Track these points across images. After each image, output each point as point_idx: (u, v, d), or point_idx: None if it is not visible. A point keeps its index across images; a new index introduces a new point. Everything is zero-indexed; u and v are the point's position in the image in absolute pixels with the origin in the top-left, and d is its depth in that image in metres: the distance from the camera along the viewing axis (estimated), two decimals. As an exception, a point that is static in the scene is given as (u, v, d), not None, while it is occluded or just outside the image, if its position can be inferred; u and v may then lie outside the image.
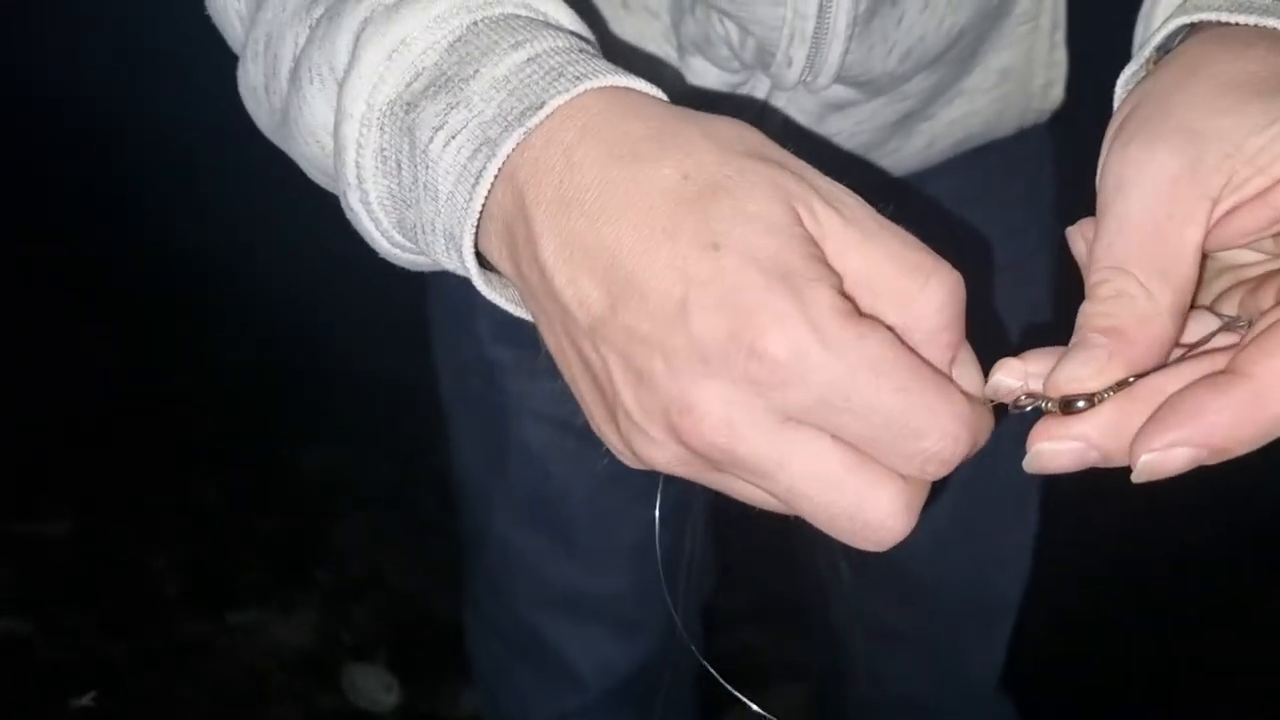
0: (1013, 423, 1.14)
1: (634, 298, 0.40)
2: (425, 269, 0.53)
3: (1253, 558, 1.95)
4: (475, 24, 0.47)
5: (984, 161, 0.94)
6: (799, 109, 0.79)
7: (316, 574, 2.12)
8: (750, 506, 0.45)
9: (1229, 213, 0.42)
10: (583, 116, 0.43)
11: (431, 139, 0.45)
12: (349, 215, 0.52)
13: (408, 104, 0.46)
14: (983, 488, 1.07)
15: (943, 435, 0.40)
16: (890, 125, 0.84)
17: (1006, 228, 0.97)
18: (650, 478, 1.08)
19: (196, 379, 2.50)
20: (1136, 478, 0.41)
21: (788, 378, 0.38)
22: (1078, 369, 0.41)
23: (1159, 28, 0.49)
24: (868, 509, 0.41)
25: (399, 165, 0.47)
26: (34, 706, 1.84)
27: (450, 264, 0.48)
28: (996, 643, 1.16)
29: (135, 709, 1.86)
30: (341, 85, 0.48)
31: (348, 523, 2.22)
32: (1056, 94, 0.92)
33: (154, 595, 2.05)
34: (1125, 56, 0.52)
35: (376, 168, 0.48)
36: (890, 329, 0.40)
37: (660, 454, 0.42)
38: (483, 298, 1.01)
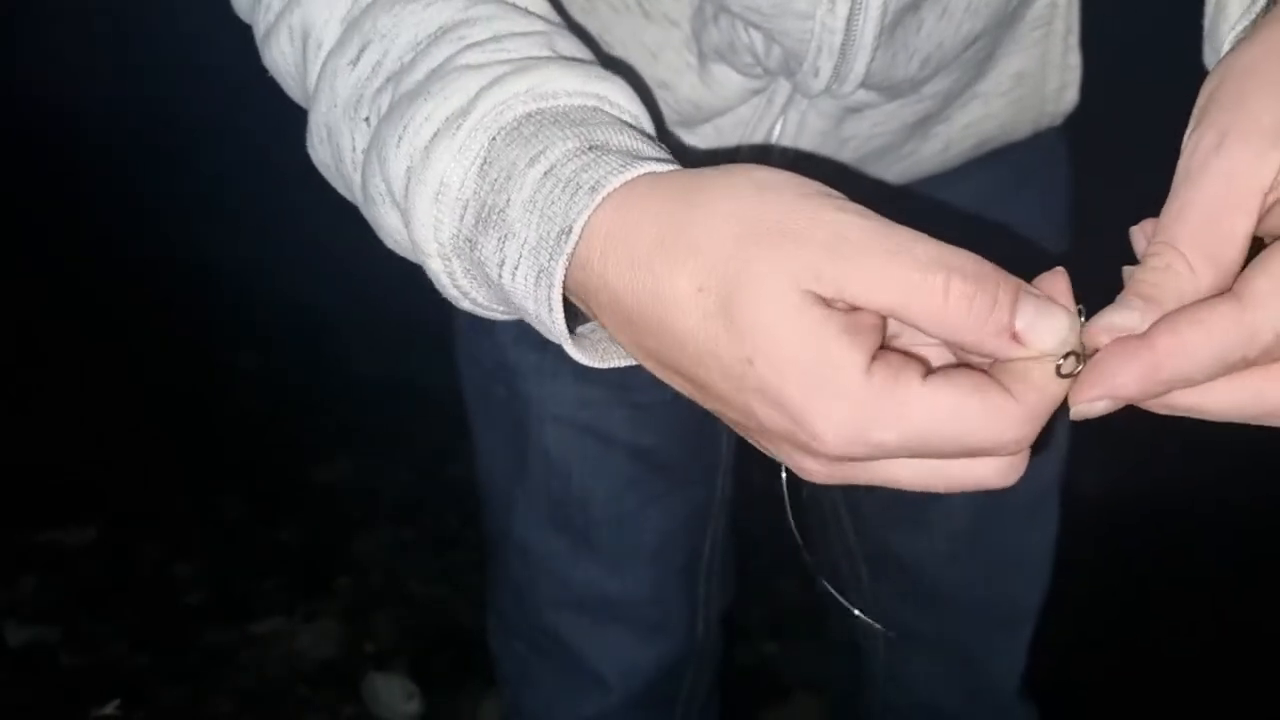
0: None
1: (711, 397, 0.48)
2: None
3: (1273, 566, 1.94)
4: (494, 140, 0.52)
5: (999, 165, 0.94)
6: (818, 113, 0.80)
7: (338, 584, 2.13)
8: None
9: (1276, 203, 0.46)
10: (602, 230, 0.48)
11: (500, 273, 0.51)
12: (459, 305, 0.57)
13: (469, 240, 0.52)
14: (1001, 493, 1.07)
15: (1001, 445, 0.45)
16: (907, 128, 0.85)
17: (1022, 231, 0.97)
18: (666, 481, 1.08)
19: (218, 391, 2.52)
20: (1074, 417, 0.46)
21: (851, 455, 0.45)
22: (1114, 319, 0.45)
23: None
24: (980, 478, 0.47)
25: (486, 281, 0.53)
26: (59, 715, 1.85)
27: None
28: (1017, 648, 1.15)
29: (159, 718, 1.87)
30: (408, 227, 0.54)
31: (368, 533, 2.23)
32: (1071, 97, 0.93)
33: (177, 605, 2.06)
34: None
35: (471, 281, 0.54)
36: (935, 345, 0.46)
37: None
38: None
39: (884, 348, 0.46)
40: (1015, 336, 0.44)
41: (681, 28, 0.77)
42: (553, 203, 0.49)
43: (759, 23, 0.71)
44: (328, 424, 2.44)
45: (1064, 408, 0.45)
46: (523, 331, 1.02)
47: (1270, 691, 1.77)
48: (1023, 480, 1.10)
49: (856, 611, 0.64)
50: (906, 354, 0.46)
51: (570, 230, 0.48)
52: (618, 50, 0.78)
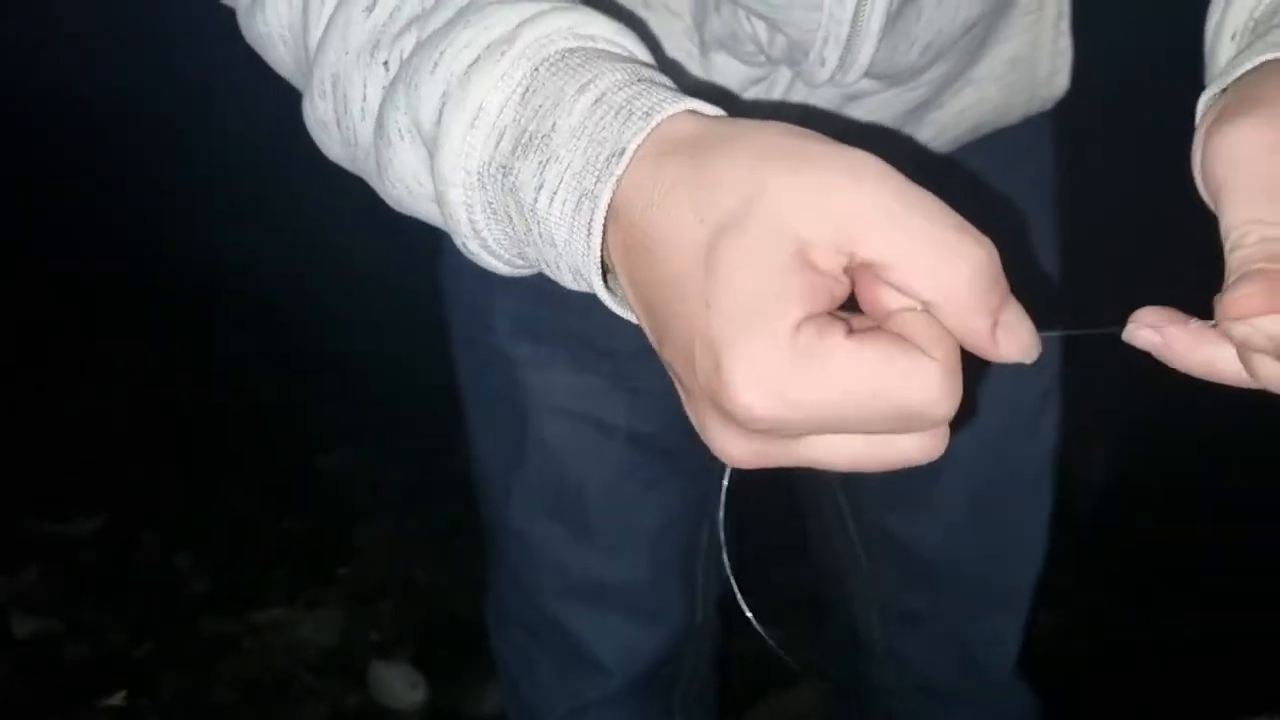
0: (1026, 410, 1.14)
1: (666, 343, 0.46)
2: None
3: (1274, 552, 1.95)
4: (537, 70, 0.50)
5: (991, 148, 0.95)
6: (818, 101, 0.81)
7: (340, 573, 2.14)
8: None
9: None
10: (649, 154, 0.46)
11: (536, 199, 0.49)
12: (468, 255, 0.56)
13: (502, 167, 0.50)
14: (997, 474, 1.08)
15: (926, 403, 0.42)
16: (902, 115, 0.86)
17: (1014, 213, 0.98)
18: (664, 467, 1.08)
19: (220, 382, 2.52)
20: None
21: (771, 427, 0.43)
22: (1245, 289, 0.45)
23: (1239, 59, 0.53)
24: (907, 453, 0.45)
25: (509, 216, 0.51)
26: (64, 706, 1.86)
27: (578, 288, 0.52)
28: (1014, 628, 1.16)
29: (163, 708, 1.88)
30: (434, 157, 0.52)
31: (370, 522, 2.24)
32: (1062, 82, 0.93)
33: (181, 595, 2.07)
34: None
35: (489, 220, 0.52)
36: (925, 306, 0.43)
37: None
38: (501, 294, 1.02)
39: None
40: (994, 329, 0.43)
41: (683, 18, 0.77)
42: (603, 128, 0.47)
43: (766, 13, 0.72)
44: (330, 414, 2.44)
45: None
46: (520, 325, 1.03)
47: (1269, 677, 1.77)
48: (1019, 461, 1.11)
49: (781, 651, 0.62)
50: (832, 315, 0.44)
51: (623, 152, 0.46)
52: None
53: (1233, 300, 0.45)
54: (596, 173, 0.47)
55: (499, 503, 1.11)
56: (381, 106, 0.56)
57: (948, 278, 0.42)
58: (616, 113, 0.48)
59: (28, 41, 3.25)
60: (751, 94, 0.81)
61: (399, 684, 1.92)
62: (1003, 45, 0.88)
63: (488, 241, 0.53)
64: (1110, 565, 1.92)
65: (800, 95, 0.80)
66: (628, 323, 0.51)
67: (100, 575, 2.09)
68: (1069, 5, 0.89)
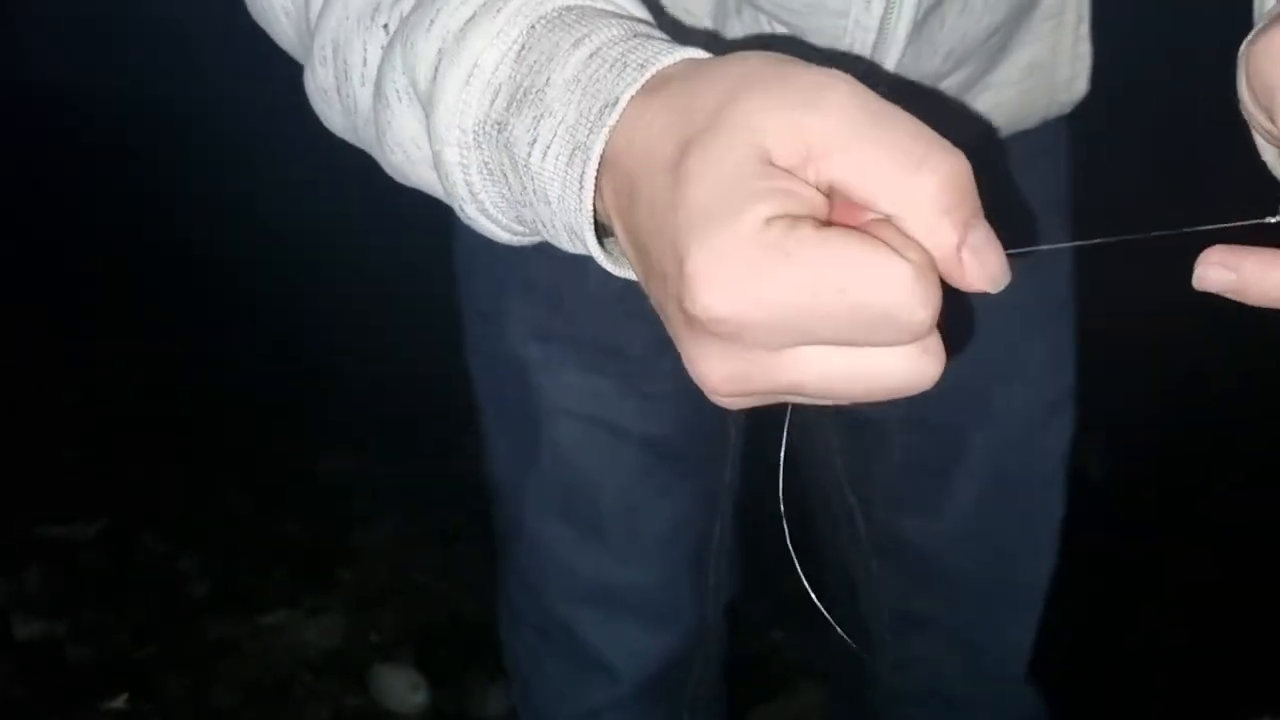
0: (1038, 412, 1.14)
1: (651, 276, 0.44)
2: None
3: (1274, 543, 1.95)
4: (533, 27, 0.50)
5: (1008, 150, 0.95)
6: None
7: (342, 576, 2.13)
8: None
9: None
10: (640, 101, 0.45)
11: (530, 153, 0.48)
12: (467, 222, 0.55)
13: (497, 123, 0.50)
14: (1009, 476, 1.08)
15: (901, 304, 0.39)
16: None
17: (1028, 212, 0.98)
18: (676, 470, 1.08)
19: (220, 384, 2.52)
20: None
21: (740, 330, 0.40)
22: None
23: None
24: (893, 372, 0.42)
25: (504, 175, 0.51)
26: (65, 708, 1.86)
27: (575, 249, 0.51)
28: (1023, 631, 1.16)
29: (165, 710, 1.87)
30: (430, 116, 0.52)
31: (372, 525, 2.24)
32: (1080, 86, 0.93)
33: (183, 598, 2.07)
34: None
35: (485, 180, 0.52)
36: (886, 220, 0.40)
37: (715, 399, 0.45)
38: (512, 297, 1.02)
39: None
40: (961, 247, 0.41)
41: (701, 20, 0.76)
42: (597, 80, 0.47)
43: (791, 20, 0.71)
44: (332, 416, 2.44)
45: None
46: (532, 328, 1.03)
47: (1269, 677, 1.78)
48: (1030, 462, 1.11)
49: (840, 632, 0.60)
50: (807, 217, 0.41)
51: (616, 103, 0.45)
52: None
53: None
54: (589, 125, 0.46)
55: (511, 505, 1.11)
56: (380, 68, 0.56)
57: (910, 189, 0.40)
58: (611, 65, 0.47)
59: (31, 37, 3.24)
60: None
61: (400, 686, 1.92)
62: (1022, 50, 0.87)
63: (485, 205, 0.53)
64: (1110, 565, 1.92)
65: None
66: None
67: (102, 577, 2.09)
68: (1089, 10, 0.89)
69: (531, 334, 1.02)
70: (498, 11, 0.50)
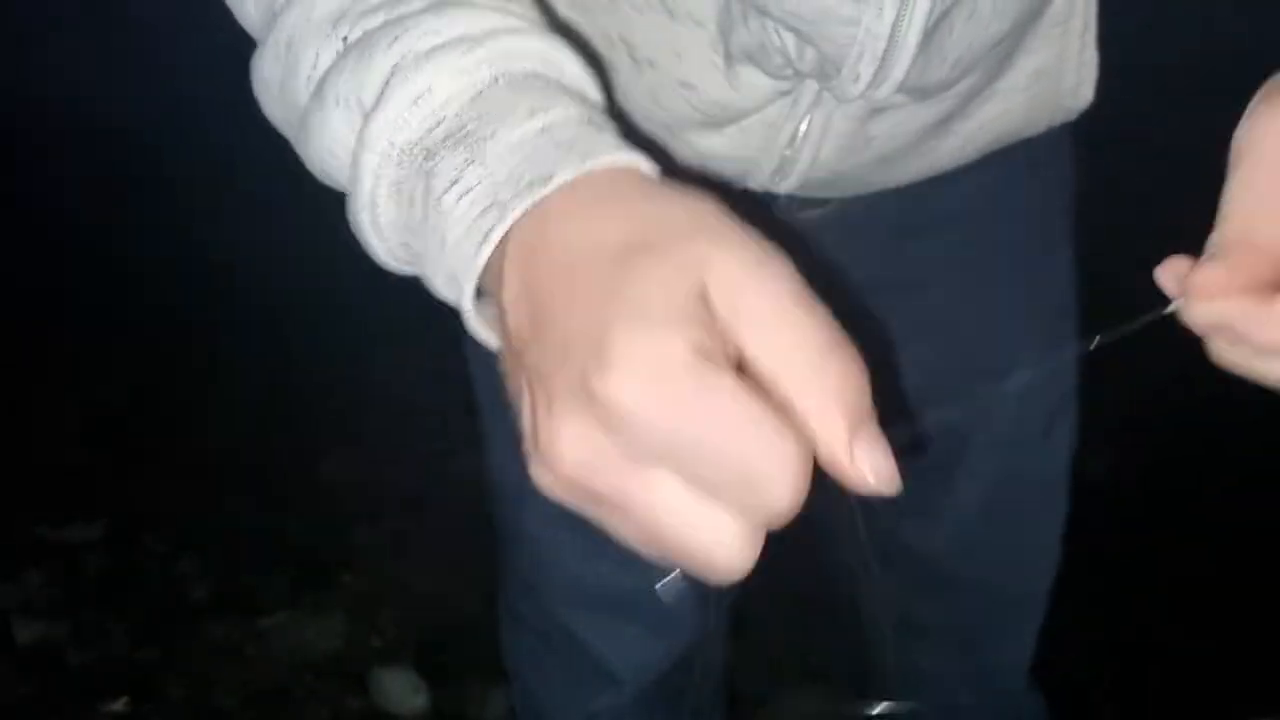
0: (1041, 417, 1.14)
1: (539, 339, 0.44)
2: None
3: (1274, 543, 1.95)
4: (496, 80, 0.51)
5: (1013, 158, 0.95)
6: (844, 114, 0.80)
7: (343, 578, 2.13)
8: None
9: None
10: (577, 192, 0.46)
11: (447, 190, 0.49)
12: (353, 225, 0.55)
13: (427, 150, 0.51)
14: (1011, 481, 1.08)
15: (776, 484, 0.40)
16: (928, 127, 0.85)
17: (1034, 221, 0.98)
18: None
19: (221, 387, 2.52)
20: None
21: (630, 424, 0.40)
22: (1209, 273, 0.50)
23: None
24: (714, 538, 0.42)
25: (411, 201, 0.52)
26: (66, 711, 1.86)
27: (444, 295, 0.52)
28: (1026, 638, 1.16)
29: (166, 713, 1.87)
30: (367, 120, 0.52)
31: (373, 527, 2.24)
32: (1086, 93, 0.93)
33: (183, 600, 2.07)
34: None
35: (390, 198, 0.53)
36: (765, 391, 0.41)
37: (543, 479, 0.44)
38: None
39: None
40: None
41: (707, 28, 0.76)
42: (540, 153, 0.48)
43: (799, 27, 0.71)
44: (332, 419, 2.44)
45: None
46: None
47: (1269, 677, 1.77)
48: (1033, 468, 1.11)
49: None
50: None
51: (549, 179, 0.46)
52: (641, 50, 0.78)
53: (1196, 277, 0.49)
54: (515, 189, 0.47)
55: (513, 509, 1.10)
56: (327, 72, 0.56)
57: (815, 380, 0.41)
58: (557, 145, 0.48)
59: (27, 40, 3.24)
60: (776, 107, 0.80)
61: (401, 689, 1.93)
62: (1029, 57, 0.87)
63: (379, 219, 0.53)
64: (1110, 565, 1.91)
65: (826, 109, 0.79)
66: None
67: (102, 580, 2.09)
68: (1095, 18, 0.89)
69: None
70: (468, 50, 0.51)
